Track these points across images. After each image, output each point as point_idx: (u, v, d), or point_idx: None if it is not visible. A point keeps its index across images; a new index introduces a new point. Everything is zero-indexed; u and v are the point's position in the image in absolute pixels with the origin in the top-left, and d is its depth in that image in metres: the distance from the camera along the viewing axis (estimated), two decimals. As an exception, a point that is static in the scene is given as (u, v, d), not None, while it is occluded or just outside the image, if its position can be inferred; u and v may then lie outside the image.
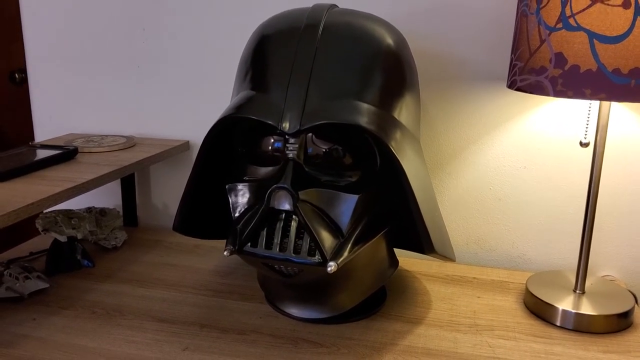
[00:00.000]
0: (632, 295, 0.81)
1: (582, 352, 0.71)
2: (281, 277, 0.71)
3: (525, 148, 0.95)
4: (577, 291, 0.81)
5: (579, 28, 0.66)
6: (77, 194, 0.79)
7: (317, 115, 0.66)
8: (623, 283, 0.95)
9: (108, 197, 1.17)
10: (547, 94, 0.69)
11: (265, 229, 0.69)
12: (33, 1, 1.12)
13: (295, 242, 0.68)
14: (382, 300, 0.83)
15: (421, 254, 0.90)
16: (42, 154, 0.90)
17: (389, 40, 0.73)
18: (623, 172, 0.92)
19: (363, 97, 0.68)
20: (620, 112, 0.90)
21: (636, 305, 0.79)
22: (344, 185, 0.70)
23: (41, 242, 1.03)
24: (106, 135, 1.08)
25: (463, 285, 0.89)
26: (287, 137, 0.69)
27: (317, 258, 0.67)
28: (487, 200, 0.98)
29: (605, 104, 0.76)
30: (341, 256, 0.67)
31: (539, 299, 0.79)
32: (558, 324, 0.77)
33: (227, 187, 0.73)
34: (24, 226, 1.20)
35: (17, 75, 1.74)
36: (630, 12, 0.63)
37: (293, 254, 0.68)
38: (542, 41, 0.69)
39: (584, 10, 0.65)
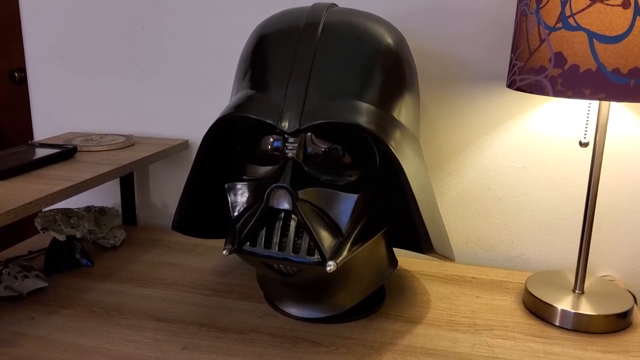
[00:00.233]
0: (631, 295, 0.81)
1: (581, 352, 0.71)
2: (280, 277, 0.71)
3: (525, 148, 0.95)
4: (576, 291, 0.81)
5: (578, 28, 0.66)
6: (76, 192, 0.79)
7: (317, 114, 0.66)
8: (622, 283, 0.95)
9: (107, 196, 1.17)
10: (547, 94, 0.69)
11: (265, 228, 0.69)
12: (33, 1, 1.11)
13: (294, 241, 0.68)
14: (381, 299, 0.83)
15: (420, 254, 0.90)
16: (41, 152, 0.90)
17: (389, 40, 0.73)
18: (622, 172, 0.92)
19: (362, 96, 0.68)
20: (619, 112, 0.90)
21: (635, 306, 0.79)
22: (343, 185, 0.70)
23: (40, 241, 1.03)
24: (105, 134, 1.08)
25: (462, 285, 0.89)
26: (286, 136, 0.69)
27: (316, 257, 0.67)
28: (486, 200, 0.98)
29: (605, 103, 0.76)
30: (340, 255, 0.67)
31: (538, 298, 0.79)
32: (557, 323, 0.77)
33: (226, 186, 0.73)
34: (22, 225, 1.20)
35: (16, 75, 1.74)
36: (629, 12, 0.63)
37: (292, 253, 0.67)
38: (542, 41, 0.69)
39: (583, 10, 0.65)
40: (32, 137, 1.19)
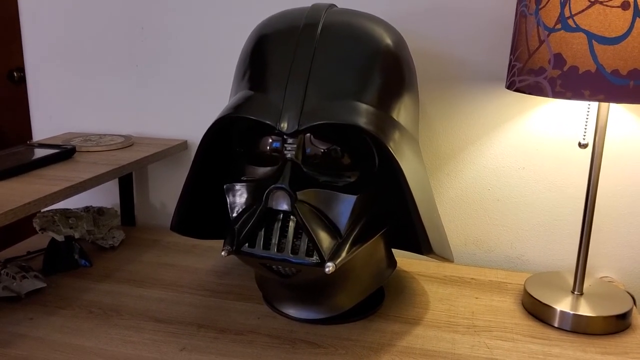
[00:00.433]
0: (630, 297, 0.81)
1: (580, 354, 0.71)
2: (279, 278, 0.71)
3: (524, 149, 0.95)
4: (576, 292, 0.81)
5: (578, 29, 0.66)
6: (74, 193, 0.79)
7: (316, 115, 0.66)
8: (621, 284, 0.95)
9: (106, 196, 1.17)
10: (546, 95, 0.69)
11: (263, 229, 0.69)
12: (33, 1, 1.11)
13: (293, 242, 0.68)
14: (380, 300, 0.83)
15: (419, 255, 0.90)
16: (39, 153, 0.90)
17: (388, 41, 0.73)
18: (622, 174, 0.92)
19: (362, 97, 0.68)
20: (619, 113, 0.90)
21: (634, 307, 0.79)
22: (342, 186, 0.70)
23: (38, 241, 1.03)
24: (104, 135, 1.08)
25: (461, 286, 0.89)
26: (285, 137, 0.68)
27: (315, 258, 0.67)
28: (485, 201, 0.98)
29: (604, 105, 0.76)
30: (339, 257, 0.67)
31: (537, 300, 0.79)
32: (556, 325, 0.77)
33: (224, 187, 0.73)
34: (21, 225, 1.20)
35: (15, 74, 1.74)
36: (629, 13, 0.63)
37: (291, 255, 0.67)
38: (541, 42, 0.69)
39: (583, 11, 0.65)
40: (31, 137, 1.19)
